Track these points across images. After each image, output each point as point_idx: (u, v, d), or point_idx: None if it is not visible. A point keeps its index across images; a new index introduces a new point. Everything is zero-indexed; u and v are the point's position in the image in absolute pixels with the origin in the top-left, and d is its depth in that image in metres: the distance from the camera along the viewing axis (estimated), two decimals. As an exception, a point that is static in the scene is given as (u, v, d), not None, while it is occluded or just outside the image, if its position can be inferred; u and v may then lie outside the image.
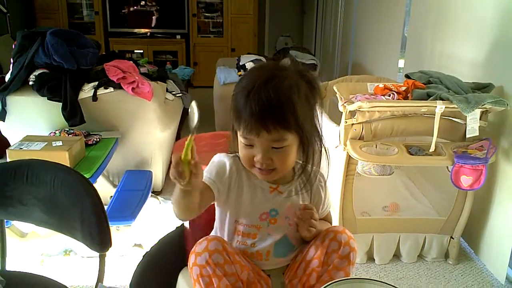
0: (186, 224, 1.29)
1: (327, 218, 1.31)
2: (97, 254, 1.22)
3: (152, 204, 2.81)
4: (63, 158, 2.14)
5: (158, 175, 2.95)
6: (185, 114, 4.02)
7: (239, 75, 4.10)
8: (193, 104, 1.09)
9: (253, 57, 4.34)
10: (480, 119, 2.03)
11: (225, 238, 1.17)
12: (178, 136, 3.69)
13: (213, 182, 1.14)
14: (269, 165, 1.09)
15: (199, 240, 1.09)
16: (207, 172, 1.16)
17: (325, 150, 1.17)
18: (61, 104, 2.63)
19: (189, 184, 0.96)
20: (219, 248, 1.05)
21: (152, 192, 2.75)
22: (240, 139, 1.09)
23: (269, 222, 1.16)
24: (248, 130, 1.05)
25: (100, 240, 1.16)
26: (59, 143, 2.24)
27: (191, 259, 1.06)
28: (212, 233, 1.24)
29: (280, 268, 1.20)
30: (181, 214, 1.10)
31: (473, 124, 2.02)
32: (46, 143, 2.24)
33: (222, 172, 1.16)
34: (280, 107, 1.03)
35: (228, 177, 1.16)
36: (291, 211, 1.18)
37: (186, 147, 0.95)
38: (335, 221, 2.16)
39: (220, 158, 1.19)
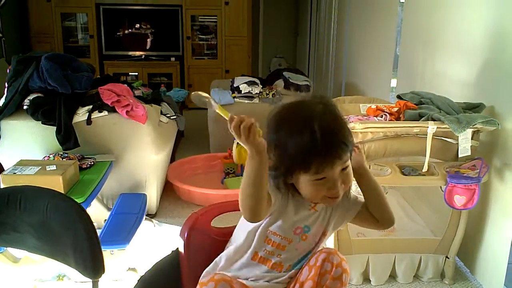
0: (181, 248, 1.28)
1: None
2: (90, 280, 1.21)
3: (146, 227, 2.79)
4: (57, 182, 2.13)
5: (152, 198, 2.94)
6: (179, 135, 4.03)
7: (234, 97, 4.13)
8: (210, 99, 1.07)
9: (247, 78, 4.38)
10: (472, 139, 2.05)
11: (250, 248, 1.19)
12: (172, 159, 3.69)
13: (272, 188, 1.14)
14: (341, 190, 1.11)
15: (204, 279, 1.09)
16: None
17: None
18: (55, 128, 2.63)
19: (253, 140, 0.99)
20: None
21: (146, 215, 2.74)
22: (309, 178, 1.09)
23: (301, 237, 1.19)
24: (324, 166, 1.06)
25: (93, 267, 1.15)
26: (53, 167, 2.24)
27: None
28: (233, 245, 1.23)
29: None
30: (252, 202, 1.06)
31: (465, 144, 2.04)
32: (40, 167, 2.24)
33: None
34: (345, 130, 1.09)
35: (277, 190, 1.16)
36: (319, 230, 1.21)
37: (221, 112, 1.02)
38: (330, 243, 2.15)
39: None
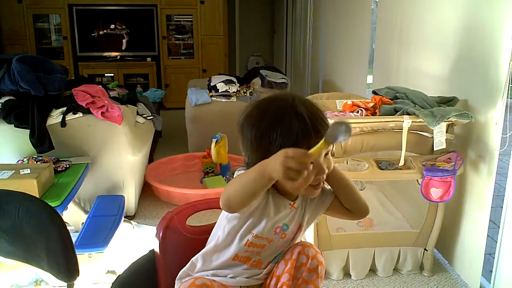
0: (156, 248, 1.27)
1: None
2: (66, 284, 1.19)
3: (125, 229, 2.76)
4: (32, 186, 2.09)
5: (130, 200, 2.91)
6: (157, 136, 4.00)
7: (211, 96, 4.11)
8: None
9: (224, 77, 4.36)
10: (446, 132, 2.08)
11: (230, 250, 1.17)
12: (150, 159, 3.66)
13: None
14: (324, 176, 1.10)
15: (184, 281, 1.07)
16: None
17: None
18: (28, 131, 2.58)
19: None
20: None
21: (125, 217, 2.71)
22: None
23: (281, 236, 1.18)
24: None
25: (66, 270, 1.13)
26: (27, 171, 2.19)
27: None
28: (211, 246, 1.21)
29: (257, 286, 1.21)
30: (243, 203, 1.03)
31: (440, 137, 2.07)
32: (13, 171, 2.19)
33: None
34: (324, 114, 1.09)
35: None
36: (296, 225, 1.20)
37: (318, 148, 0.92)
38: (310, 238, 2.16)
39: None
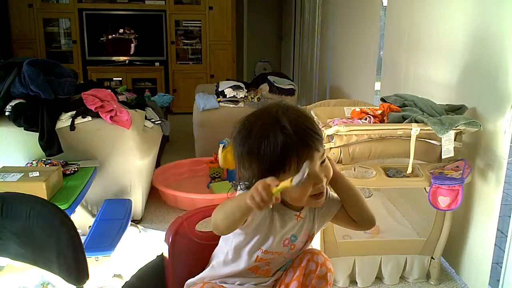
0: (166, 253, 1.27)
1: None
2: (74, 287, 1.19)
3: (132, 233, 2.77)
4: (40, 189, 2.11)
5: (137, 204, 2.92)
6: (164, 140, 4.01)
7: (219, 101, 4.13)
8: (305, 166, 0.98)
9: (232, 83, 4.38)
10: (454, 140, 2.08)
11: (239, 265, 1.17)
12: (157, 164, 3.67)
13: None
14: (323, 185, 1.09)
15: (192, 286, 1.07)
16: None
17: None
18: (38, 134, 2.60)
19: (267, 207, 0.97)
20: None
21: (131, 221, 2.72)
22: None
23: (290, 247, 1.18)
24: (302, 160, 1.03)
25: (76, 273, 1.14)
26: (36, 174, 2.21)
27: None
28: (221, 255, 1.21)
29: None
30: (228, 229, 1.07)
31: (448, 145, 2.06)
32: (22, 174, 2.21)
33: None
34: (312, 121, 1.07)
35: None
36: (305, 235, 1.20)
37: (281, 187, 0.94)
38: (316, 245, 2.16)
39: None
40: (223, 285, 1.15)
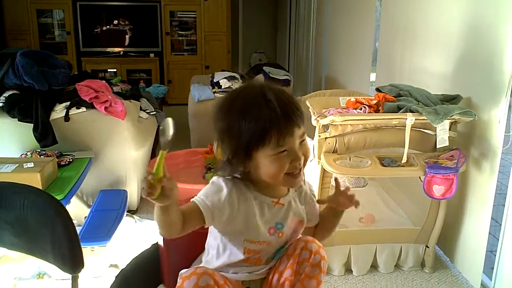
0: (160, 242, 1.27)
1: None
2: (70, 276, 1.19)
3: (127, 223, 2.77)
4: (35, 180, 2.10)
5: (133, 194, 2.92)
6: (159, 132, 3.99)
7: (214, 92, 4.11)
8: (169, 120, 1.02)
9: (227, 74, 4.36)
10: (449, 130, 2.08)
11: (232, 255, 1.16)
12: (153, 154, 3.66)
13: (207, 207, 1.10)
14: (301, 164, 1.09)
15: (185, 273, 1.06)
16: (203, 196, 1.12)
17: None
18: (32, 125, 2.59)
19: (162, 199, 0.96)
20: (210, 283, 1.04)
21: (127, 211, 2.72)
22: (270, 153, 1.06)
23: (278, 235, 1.17)
24: (284, 135, 1.04)
25: (71, 262, 1.14)
26: (31, 165, 2.20)
27: None
28: (206, 256, 1.22)
29: (258, 280, 1.21)
30: (163, 231, 1.08)
31: (443, 134, 2.07)
32: (17, 165, 2.20)
33: (219, 197, 1.11)
34: (295, 101, 1.08)
35: (227, 202, 1.11)
36: (293, 221, 1.19)
37: (157, 163, 0.93)
38: (312, 235, 2.16)
39: (219, 183, 1.14)
40: (217, 272, 1.14)
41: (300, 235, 1.22)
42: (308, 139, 2.12)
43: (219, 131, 1.09)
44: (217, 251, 1.19)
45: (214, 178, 1.16)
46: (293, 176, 1.09)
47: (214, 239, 1.20)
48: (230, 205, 1.11)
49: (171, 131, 0.98)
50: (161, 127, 0.97)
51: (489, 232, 2.12)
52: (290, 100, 1.08)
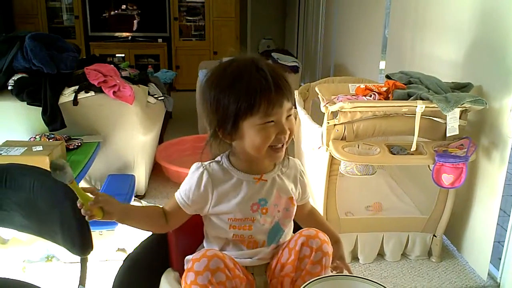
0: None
1: (307, 205, 1.33)
2: (79, 259, 1.20)
3: (135, 208, 2.78)
4: (44, 163, 2.11)
5: (141, 179, 2.93)
6: (167, 117, 4.00)
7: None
8: (63, 162, 1.00)
9: (236, 60, 4.33)
10: (460, 118, 2.06)
11: (220, 241, 1.18)
12: (161, 140, 3.68)
13: (186, 205, 1.16)
14: (286, 139, 1.09)
15: (196, 256, 1.07)
16: (183, 192, 1.17)
17: None
18: (41, 108, 2.60)
19: (108, 215, 1.04)
20: (220, 266, 1.04)
21: (135, 196, 2.74)
22: (258, 122, 1.05)
23: (261, 212, 1.16)
24: (274, 104, 1.04)
25: (80, 244, 1.15)
26: (40, 148, 2.21)
27: (189, 276, 1.04)
28: (205, 242, 1.23)
29: (262, 266, 1.20)
30: (147, 231, 1.19)
31: (453, 123, 2.05)
32: (26, 148, 2.22)
33: (196, 190, 1.15)
34: (284, 76, 1.08)
35: (206, 189, 1.14)
36: (278, 198, 1.19)
37: (77, 194, 1.00)
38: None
39: (199, 171, 1.16)
40: (225, 254, 1.14)
41: (306, 228, 1.20)
42: (316, 126, 2.12)
43: (207, 102, 1.09)
44: (210, 232, 1.20)
45: (194, 166, 1.19)
46: (275, 150, 1.10)
47: (204, 220, 1.22)
48: (211, 192, 1.14)
49: (68, 174, 0.99)
50: (57, 171, 0.98)
51: (497, 223, 2.11)
52: (280, 72, 1.08)
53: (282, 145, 1.10)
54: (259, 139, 1.07)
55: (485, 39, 2.17)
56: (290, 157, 1.24)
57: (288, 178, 1.23)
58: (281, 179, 1.21)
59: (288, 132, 1.08)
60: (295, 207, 1.23)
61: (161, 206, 1.22)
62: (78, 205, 1.00)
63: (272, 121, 1.06)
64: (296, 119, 1.21)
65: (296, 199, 1.24)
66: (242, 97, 1.03)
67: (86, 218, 1.01)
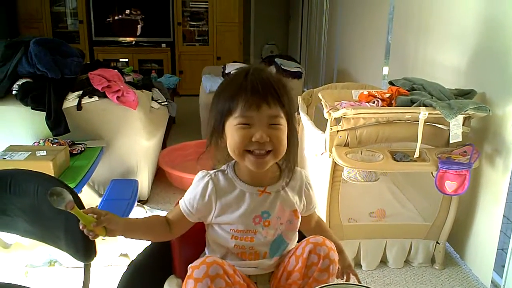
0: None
1: (314, 216, 1.33)
2: (82, 264, 1.20)
3: (138, 213, 2.78)
4: (47, 168, 2.12)
5: (144, 184, 2.93)
6: (170, 122, 4.01)
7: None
8: (60, 188, 1.03)
9: (239, 65, 4.35)
10: (463, 125, 2.06)
11: (222, 247, 1.18)
12: (164, 145, 3.68)
13: (190, 213, 1.17)
14: (267, 145, 1.07)
15: (195, 263, 1.07)
16: (187, 200, 1.18)
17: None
18: (45, 113, 2.61)
19: (111, 232, 1.07)
20: (220, 273, 1.04)
21: (138, 201, 2.73)
22: (234, 122, 1.07)
23: (263, 224, 1.16)
24: (249, 105, 1.04)
25: (84, 250, 1.15)
26: (43, 153, 2.22)
27: (189, 284, 1.04)
28: (207, 249, 1.24)
29: (266, 275, 1.20)
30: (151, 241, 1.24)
31: (456, 130, 2.05)
32: (30, 153, 2.22)
33: (201, 199, 1.16)
34: (277, 84, 1.09)
35: (210, 199, 1.16)
36: (281, 210, 1.18)
37: (79, 217, 1.01)
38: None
39: (204, 179, 1.17)
40: (225, 261, 1.13)
41: (313, 236, 1.19)
42: (319, 132, 2.12)
43: (210, 107, 1.16)
44: (212, 240, 1.21)
45: (200, 174, 1.20)
46: (255, 156, 1.08)
47: (207, 228, 1.22)
48: (215, 202, 1.15)
49: (67, 200, 1.01)
50: (54, 197, 1.00)
51: (501, 230, 2.10)
52: (272, 79, 1.09)
53: (264, 153, 1.08)
54: (234, 140, 1.08)
55: (488, 45, 2.17)
56: (298, 168, 1.23)
57: (293, 190, 1.22)
58: (285, 192, 1.20)
59: (265, 140, 1.06)
60: (299, 220, 1.22)
61: (163, 215, 1.22)
62: (81, 226, 1.01)
63: (249, 124, 1.06)
64: (297, 127, 1.19)
65: (300, 211, 1.23)
66: (227, 98, 1.08)
67: (90, 237, 1.03)
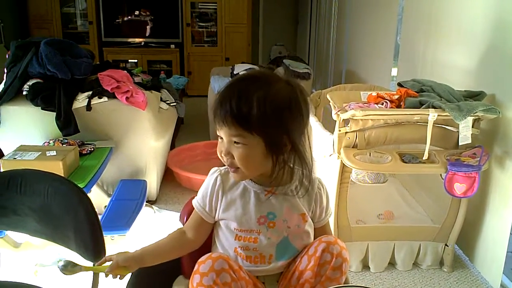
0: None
1: (326, 227, 1.29)
2: (91, 264, 1.21)
3: (147, 213, 2.80)
4: (57, 168, 2.13)
5: (152, 184, 2.94)
6: (179, 122, 4.02)
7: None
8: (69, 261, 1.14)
9: (247, 66, 4.36)
10: (472, 127, 2.05)
11: (226, 249, 1.18)
12: (172, 146, 3.70)
13: (204, 211, 1.20)
14: (232, 163, 1.10)
15: (202, 259, 1.08)
16: (199, 198, 1.21)
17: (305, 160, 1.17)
18: (55, 113, 2.63)
19: (128, 269, 1.12)
20: (225, 267, 1.05)
21: (146, 201, 2.75)
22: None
23: (268, 225, 1.16)
24: (217, 121, 1.08)
25: (93, 249, 1.16)
26: (53, 153, 2.23)
27: (195, 279, 1.05)
28: (213, 249, 1.24)
29: (275, 276, 1.20)
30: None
31: (465, 131, 2.04)
32: (40, 152, 2.24)
33: (210, 194, 1.19)
34: (241, 107, 1.04)
35: (218, 192, 1.18)
36: (288, 213, 1.18)
37: (94, 270, 1.15)
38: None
39: (210, 178, 1.21)
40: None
41: (325, 235, 1.18)
42: (327, 134, 2.11)
43: None
44: (218, 240, 1.21)
45: (211, 170, 1.23)
46: (232, 169, 1.13)
47: (214, 228, 1.24)
48: (221, 196, 1.18)
49: (78, 264, 1.12)
50: (68, 267, 1.14)
51: (510, 232, 2.09)
52: (250, 99, 1.03)
53: (234, 170, 1.12)
54: (217, 147, 1.13)
55: (498, 47, 2.16)
56: (314, 175, 1.23)
57: (305, 197, 1.21)
58: (295, 195, 1.19)
59: (225, 155, 1.09)
60: (307, 223, 1.21)
61: (179, 229, 1.24)
62: (105, 276, 1.11)
63: (221, 137, 1.10)
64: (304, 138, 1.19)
65: (310, 217, 1.22)
66: (213, 107, 1.09)
67: (115, 278, 1.12)
